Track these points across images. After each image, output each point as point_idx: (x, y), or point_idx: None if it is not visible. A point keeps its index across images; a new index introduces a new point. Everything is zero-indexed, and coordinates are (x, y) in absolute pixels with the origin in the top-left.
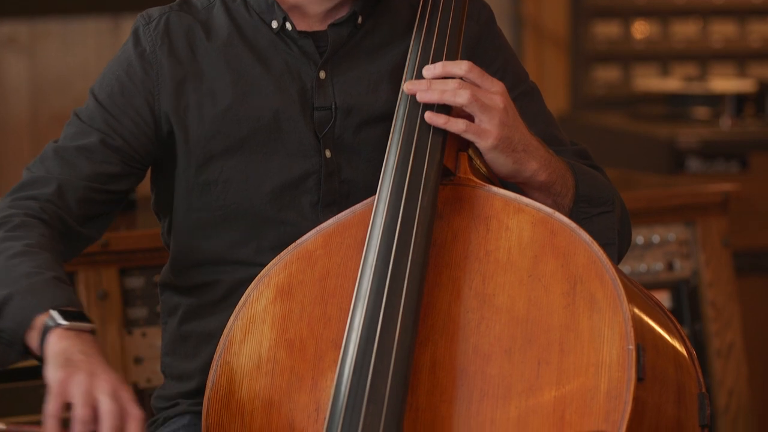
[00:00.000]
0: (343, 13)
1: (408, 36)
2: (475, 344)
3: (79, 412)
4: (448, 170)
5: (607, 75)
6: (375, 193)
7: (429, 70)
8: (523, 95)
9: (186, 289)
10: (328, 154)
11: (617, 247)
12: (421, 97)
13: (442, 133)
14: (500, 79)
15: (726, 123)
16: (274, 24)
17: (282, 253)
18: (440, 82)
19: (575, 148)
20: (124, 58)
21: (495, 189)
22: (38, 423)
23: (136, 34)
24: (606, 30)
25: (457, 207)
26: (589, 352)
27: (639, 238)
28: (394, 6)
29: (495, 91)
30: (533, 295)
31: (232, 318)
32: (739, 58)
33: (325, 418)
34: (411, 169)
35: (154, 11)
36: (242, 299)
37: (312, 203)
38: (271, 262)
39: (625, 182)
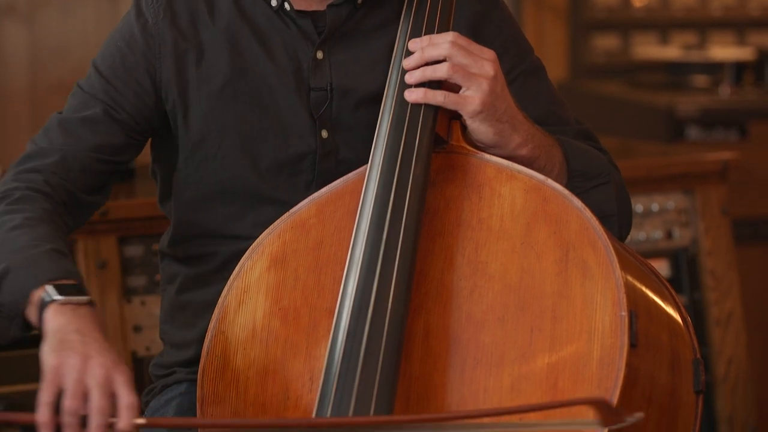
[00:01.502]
0: None
1: None
2: (468, 312)
3: (69, 404)
4: (441, 138)
5: (606, 43)
6: None
7: (415, 44)
8: (525, 73)
9: (184, 259)
10: (324, 134)
11: (617, 219)
12: (408, 80)
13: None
14: (502, 56)
15: (725, 91)
16: (274, 2)
17: (276, 222)
18: (428, 59)
19: (578, 128)
20: (126, 30)
21: (488, 156)
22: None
23: (138, 4)
24: None
25: (449, 175)
26: (581, 319)
27: (638, 206)
28: None
29: (485, 57)
30: (526, 263)
31: (226, 287)
32: (738, 26)
33: (318, 386)
34: (404, 137)
35: None
36: (236, 269)
37: (307, 183)
38: (265, 232)
39: (624, 151)
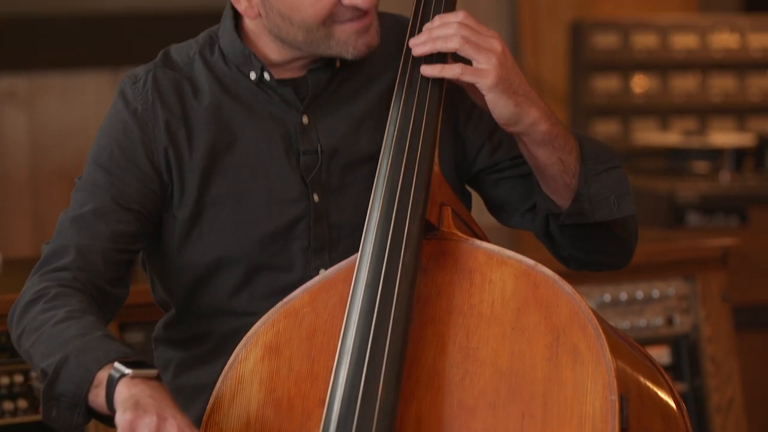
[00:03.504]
0: (319, 59)
1: (386, 75)
2: (460, 398)
3: None
4: (432, 225)
5: (606, 129)
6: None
7: (427, 25)
8: None
9: (178, 342)
10: (316, 198)
11: (632, 198)
12: (416, 51)
13: (425, 188)
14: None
15: (725, 177)
16: (253, 75)
17: (269, 312)
18: (436, 31)
19: None
20: (118, 120)
21: (478, 242)
22: None
23: (123, 95)
24: (605, 84)
25: (441, 262)
26: (572, 403)
27: (638, 293)
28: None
29: (491, 35)
30: (516, 348)
31: (220, 379)
32: (738, 112)
33: None
34: (393, 225)
35: (139, 70)
36: (230, 359)
37: (303, 248)
38: (259, 321)
39: None
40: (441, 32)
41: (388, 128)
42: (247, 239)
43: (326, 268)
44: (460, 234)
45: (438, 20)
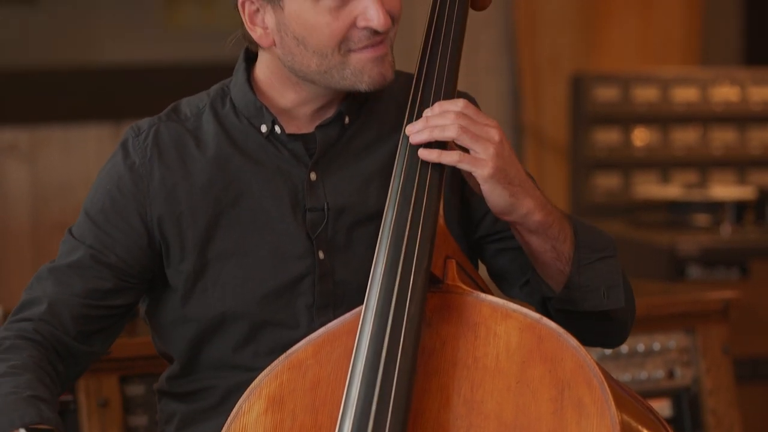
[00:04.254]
0: (329, 113)
1: (397, 134)
2: None
3: None
4: (436, 278)
5: (607, 182)
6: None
7: (427, 112)
8: None
9: (182, 396)
10: (321, 255)
11: (623, 290)
12: (414, 139)
13: (430, 240)
14: None
15: (726, 230)
16: (264, 128)
17: (273, 364)
18: (434, 120)
19: None
20: (114, 172)
21: (483, 295)
22: None
23: (125, 146)
24: (606, 137)
25: (445, 314)
26: None
27: (639, 345)
28: (381, 106)
29: (490, 124)
30: (521, 401)
31: (223, 430)
32: (739, 165)
33: None
34: (399, 277)
35: (144, 123)
36: (233, 411)
37: (307, 305)
38: (263, 373)
39: None
40: (439, 121)
41: (393, 180)
42: (251, 295)
43: None
44: (464, 287)
45: (437, 108)
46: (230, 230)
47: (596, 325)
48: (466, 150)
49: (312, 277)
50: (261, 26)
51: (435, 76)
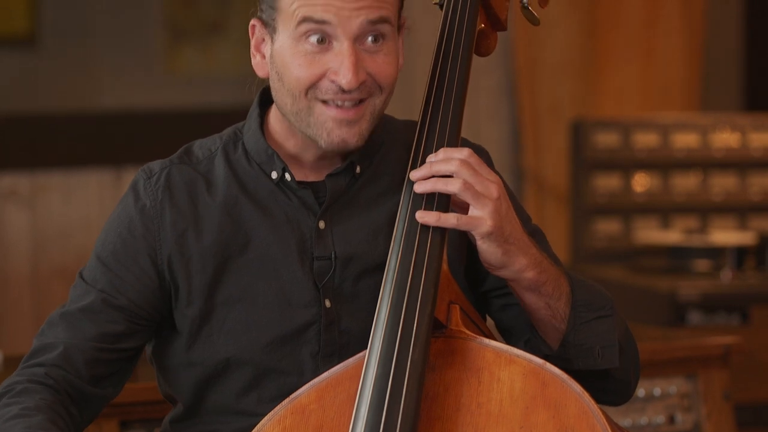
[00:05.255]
0: (337, 162)
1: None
2: None
3: None
4: (440, 323)
5: (607, 227)
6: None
7: (431, 158)
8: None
9: None
10: (327, 303)
11: (618, 349)
12: (417, 188)
13: (433, 285)
14: None
15: (727, 276)
16: (274, 175)
17: (276, 408)
18: (437, 166)
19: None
20: (125, 215)
21: (487, 341)
22: None
23: (135, 188)
24: (606, 182)
25: (449, 359)
26: None
27: (640, 390)
28: (394, 155)
29: (491, 179)
30: None
31: None
32: (739, 211)
33: None
34: (402, 322)
35: (155, 165)
36: None
37: (312, 353)
38: (265, 417)
39: None
40: (443, 168)
41: (396, 225)
42: (256, 342)
43: None
44: (468, 332)
45: (442, 154)
46: (238, 276)
47: (595, 383)
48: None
49: (318, 325)
50: (261, 55)
51: (439, 123)
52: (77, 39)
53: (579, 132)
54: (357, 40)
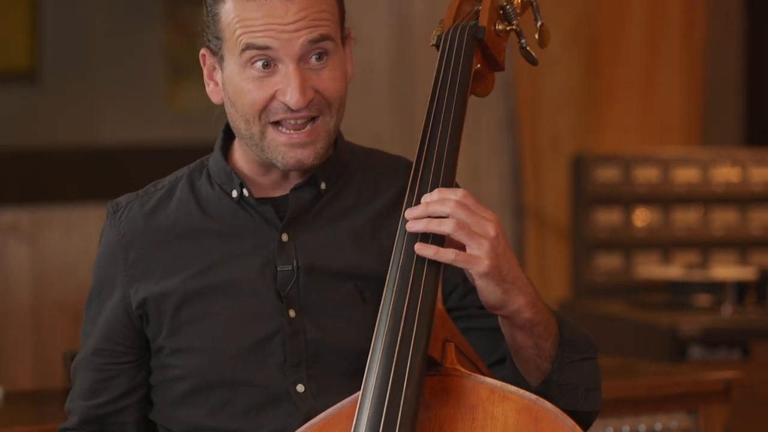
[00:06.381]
0: (302, 177)
1: (378, 202)
2: None
3: None
4: (435, 361)
5: (608, 262)
6: (343, 355)
7: (426, 197)
8: None
9: None
10: (292, 313)
11: (600, 393)
12: (411, 227)
13: (428, 324)
14: None
15: (727, 311)
16: (234, 193)
17: None
18: (433, 207)
19: None
20: (99, 252)
21: (481, 378)
22: None
23: (104, 225)
24: (607, 217)
25: (443, 397)
26: None
27: (641, 426)
28: (359, 177)
29: (487, 218)
30: None
31: None
32: (740, 246)
33: None
34: (396, 360)
35: (122, 199)
36: None
37: (278, 364)
38: None
39: (626, 370)
40: (437, 209)
41: (391, 263)
42: (223, 356)
43: (303, 384)
44: (462, 370)
45: (437, 194)
46: (202, 295)
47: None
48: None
49: (282, 335)
50: (214, 82)
51: (434, 162)
52: (78, 74)
53: (579, 167)
54: (301, 59)
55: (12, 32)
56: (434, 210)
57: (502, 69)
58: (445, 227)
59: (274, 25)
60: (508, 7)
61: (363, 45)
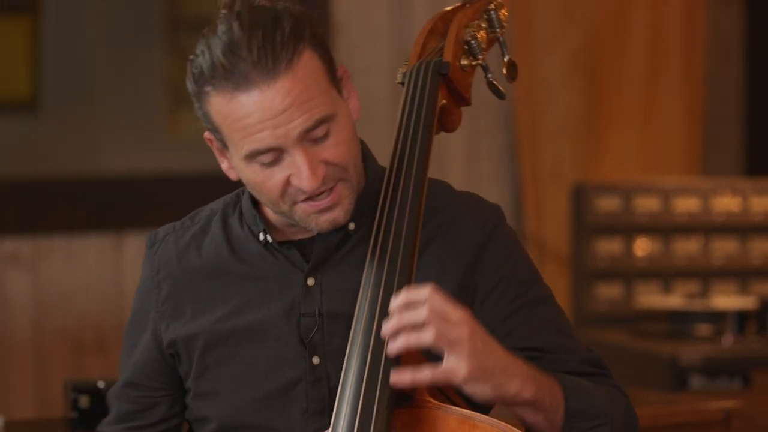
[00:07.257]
0: None
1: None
2: None
3: None
4: (406, 394)
5: (608, 292)
6: None
7: (393, 303)
8: (528, 304)
9: None
10: (315, 360)
11: None
12: (391, 349)
13: (396, 359)
14: (503, 289)
15: (728, 340)
16: (261, 236)
17: None
18: (407, 318)
19: (586, 356)
20: (139, 285)
21: (452, 408)
22: None
23: (145, 256)
24: (608, 247)
25: (415, 429)
26: None
27: None
28: None
29: (457, 321)
30: None
31: None
32: (740, 275)
33: None
34: (363, 396)
35: (161, 231)
36: None
37: (301, 411)
38: None
39: None
40: (412, 318)
41: (361, 292)
42: (245, 400)
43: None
44: (434, 401)
45: (404, 298)
46: (227, 340)
47: None
48: None
49: (305, 382)
50: (227, 161)
51: (398, 203)
52: (78, 104)
53: (580, 196)
54: (303, 140)
55: (13, 62)
56: (410, 320)
57: (468, 104)
58: (426, 338)
59: (267, 120)
60: (472, 42)
61: (363, 75)
